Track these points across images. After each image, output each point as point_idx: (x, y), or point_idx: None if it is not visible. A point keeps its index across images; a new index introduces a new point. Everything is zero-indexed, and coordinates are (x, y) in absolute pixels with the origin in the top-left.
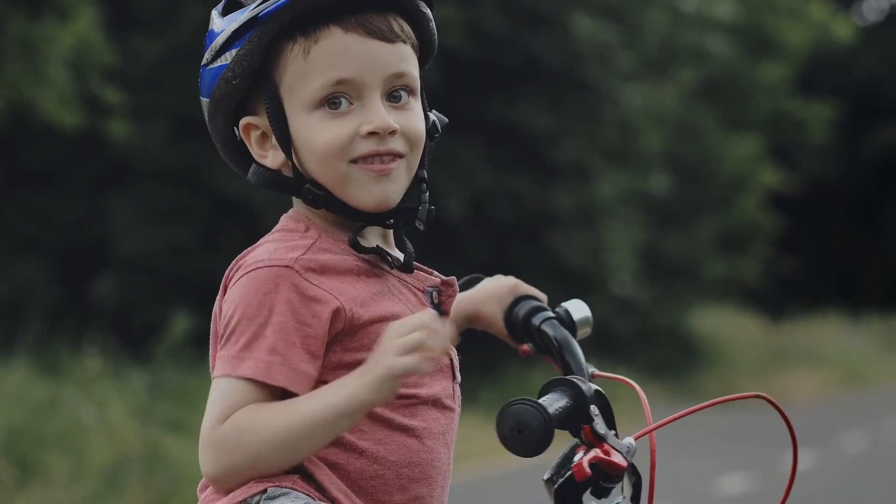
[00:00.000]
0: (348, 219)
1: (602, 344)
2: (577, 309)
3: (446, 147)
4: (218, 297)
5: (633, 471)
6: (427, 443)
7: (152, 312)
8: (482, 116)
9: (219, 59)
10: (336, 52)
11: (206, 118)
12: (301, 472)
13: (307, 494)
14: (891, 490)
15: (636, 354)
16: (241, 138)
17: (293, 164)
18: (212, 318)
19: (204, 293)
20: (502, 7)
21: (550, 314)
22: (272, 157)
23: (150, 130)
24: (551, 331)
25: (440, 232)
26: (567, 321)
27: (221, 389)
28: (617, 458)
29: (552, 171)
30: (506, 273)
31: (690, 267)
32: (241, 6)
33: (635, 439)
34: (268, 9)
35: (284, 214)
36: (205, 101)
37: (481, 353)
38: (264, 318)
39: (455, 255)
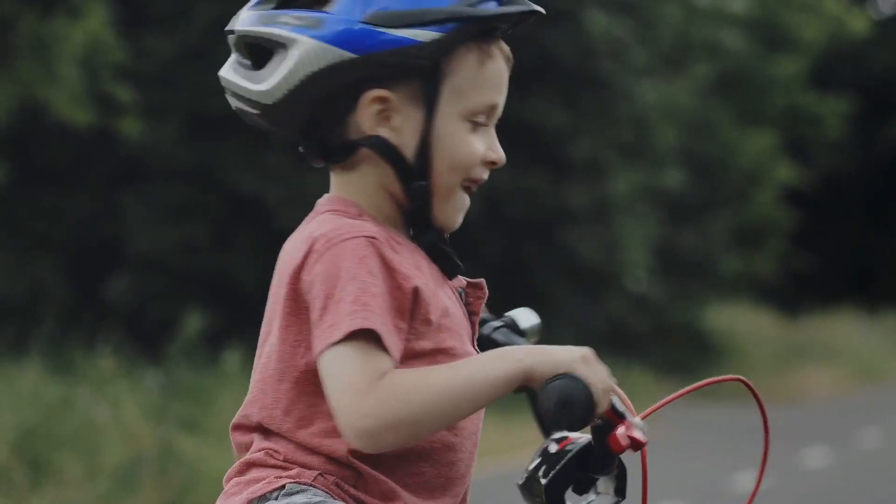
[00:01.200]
0: (410, 221)
1: (617, 341)
2: (526, 318)
3: None
4: (284, 269)
5: (617, 462)
6: (464, 441)
7: (166, 311)
8: None
9: (405, 31)
10: (499, 73)
11: (303, 74)
12: (339, 467)
13: (326, 492)
14: None
15: (651, 351)
16: (335, 107)
17: (421, 153)
18: (276, 294)
19: (217, 291)
20: None
21: (499, 323)
22: (385, 135)
23: (162, 128)
24: (503, 338)
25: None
26: (516, 329)
27: (348, 354)
28: (639, 435)
29: (566, 168)
30: (519, 271)
31: (705, 263)
32: None
33: (642, 419)
34: (480, 12)
35: (327, 197)
36: (330, 51)
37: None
38: (363, 282)
39: (469, 252)
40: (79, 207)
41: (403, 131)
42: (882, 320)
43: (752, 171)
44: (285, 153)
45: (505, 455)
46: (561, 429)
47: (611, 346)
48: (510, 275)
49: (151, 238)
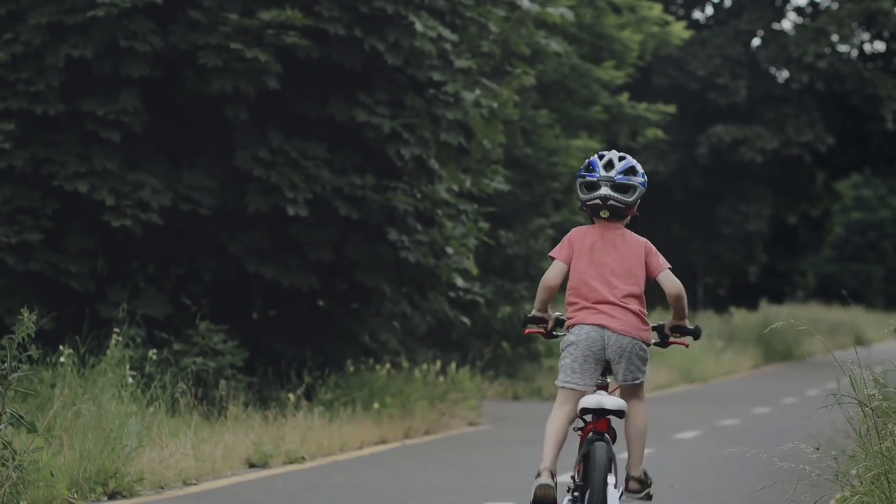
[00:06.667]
0: None
1: (441, 339)
2: None
3: (289, 146)
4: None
5: None
6: None
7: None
8: (325, 116)
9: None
10: None
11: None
12: None
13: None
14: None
15: (475, 350)
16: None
17: None
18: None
19: (50, 291)
20: (343, 7)
21: None
22: None
23: None
24: None
25: (283, 231)
26: None
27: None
28: None
29: (394, 171)
30: (347, 269)
31: (529, 265)
32: None
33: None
34: None
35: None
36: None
37: (320, 353)
38: None
39: (298, 253)
40: None
41: None
42: (703, 320)
43: (574, 175)
44: (114, 156)
45: (336, 453)
46: None
47: (435, 344)
48: (337, 273)
49: None
